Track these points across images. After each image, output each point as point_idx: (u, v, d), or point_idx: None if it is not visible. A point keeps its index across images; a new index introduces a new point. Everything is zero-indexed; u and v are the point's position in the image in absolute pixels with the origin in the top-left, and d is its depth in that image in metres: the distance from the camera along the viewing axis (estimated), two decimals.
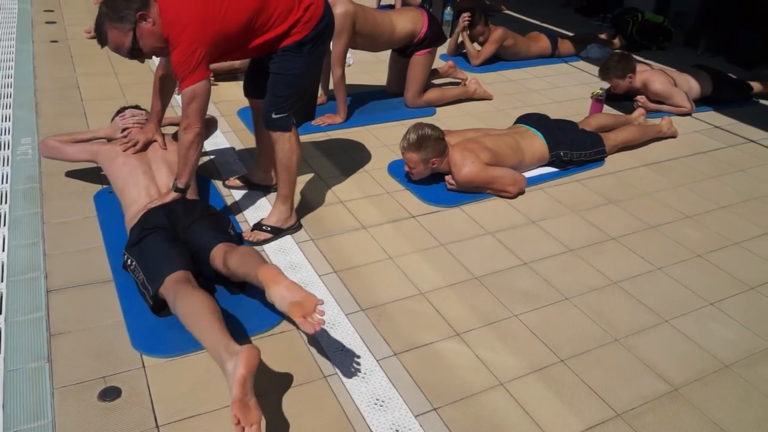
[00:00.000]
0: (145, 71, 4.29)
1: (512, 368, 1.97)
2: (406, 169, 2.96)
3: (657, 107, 4.08)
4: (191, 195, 2.42)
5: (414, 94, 3.91)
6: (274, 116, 2.40)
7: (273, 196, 2.84)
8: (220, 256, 2.04)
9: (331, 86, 3.72)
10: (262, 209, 2.74)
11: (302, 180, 3.02)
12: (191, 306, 1.82)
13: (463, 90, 4.18)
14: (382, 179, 3.10)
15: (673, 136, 3.80)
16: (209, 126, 3.02)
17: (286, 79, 2.36)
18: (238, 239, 2.42)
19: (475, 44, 5.01)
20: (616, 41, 5.60)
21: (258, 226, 2.53)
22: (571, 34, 5.67)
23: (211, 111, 3.74)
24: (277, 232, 2.53)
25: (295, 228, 2.60)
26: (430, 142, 2.84)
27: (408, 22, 3.73)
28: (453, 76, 4.35)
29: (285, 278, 1.69)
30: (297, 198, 2.82)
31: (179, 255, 2.06)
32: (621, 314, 2.25)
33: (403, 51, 3.88)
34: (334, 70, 3.56)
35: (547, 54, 5.22)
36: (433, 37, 3.80)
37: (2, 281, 2.19)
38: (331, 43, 3.52)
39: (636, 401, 1.87)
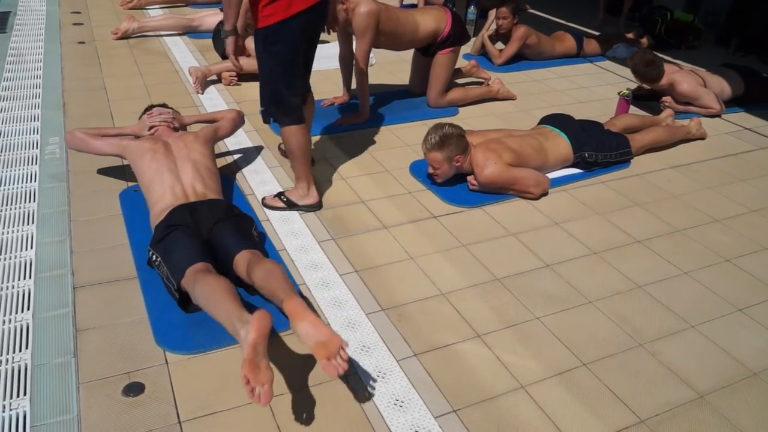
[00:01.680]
0: (170, 72, 4.35)
1: (534, 371, 1.95)
2: (431, 171, 2.94)
3: (684, 108, 4.01)
4: (215, 194, 2.45)
5: (437, 93, 3.90)
6: (261, 108, 2.67)
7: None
8: (243, 264, 2.05)
9: (353, 85, 3.72)
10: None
11: (324, 179, 3.03)
12: (208, 287, 1.85)
13: (487, 90, 4.15)
14: (403, 179, 3.09)
15: (702, 138, 3.73)
16: (237, 122, 3.08)
17: (260, 70, 2.55)
18: (262, 240, 2.44)
19: (498, 44, 4.98)
20: (644, 41, 5.51)
21: (280, 194, 2.78)
22: (597, 33, 5.60)
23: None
24: (290, 205, 2.75)
25: (314, 208, 2.76)
26: (453, 139, 2.83)
27: (431, 20, 3.71)
28: (476, 75, 4.32)
29: (310, 313, 1.70)
30: (318, 195, 2.84)
31: (201, 250, 2.09)
32: (646, 319, 2.21)
33: (426, 50, 3.87)
34: (357, 69, 3.56)
35: (572, 54, 5.16)
36: (457, 36, 3.78)
37: (30, 278, 2.24)
38: (355, 43, 3.53)
39: (660, 408, 1.84)
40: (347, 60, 3.80)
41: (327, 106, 3.86)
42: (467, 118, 3.85)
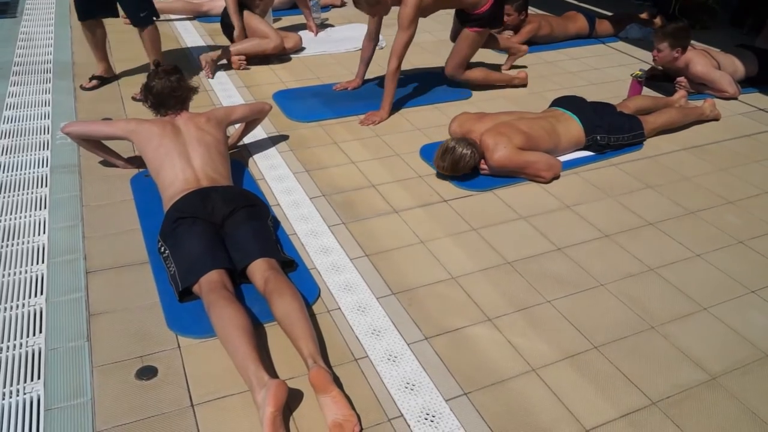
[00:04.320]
0: (180, 56, 4.34)
1: (544, 354, 1.94)
2: None
3: (699, 89, 3.95)
4: (226, 180, 2.44)
5: (455, 66, 3.80)
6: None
7: (304, 175, 2.86)
8: (260, 277, 2.03)
9: (370, 74, 3.66)
10: (295, 192, 2.76)
11: (333, 163, 3.03)
12: (224, 322, 1.83)
13: (508, 79, 4.07)
14: (413, 163, 3.08)
15: (716, 119, 3.68)
16: (258, 110, 3.02)
17: None
18: (275, 227, 2.45)
19: (506, 32, 4.93)
20: (657, 20, 5.42)
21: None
22: (609, 13, 5.52)
23: (244, 96, 3.77)
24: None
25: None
26: (463, 161, 2.79)
27: None
28: (512, 48, 4.23)
29: (333, 387, 1.69)
30: (327, 180, 2.83)
31: (213, 252, 2.08)
32: (658, 301, 2.20)
33: (463, 19, 3.71)
34: (391, 60, 3.40)
35: (584, 34, 5.08)
36: (492, 18, 3.65)
37: (43, 262, 2.26)
38: (397, 33, 3.36)
39: (672, 390, 1.83)
40: (370, 44, 3.73)
41: (339, 91, 3.84)
42: (479, 101, 3.82)
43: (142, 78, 3.90)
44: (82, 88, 3.72)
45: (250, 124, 3.05)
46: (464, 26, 3.70)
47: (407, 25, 3.32)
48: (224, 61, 4.17)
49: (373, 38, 3.73)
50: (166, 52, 4.37)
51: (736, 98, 3.98)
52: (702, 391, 1.84)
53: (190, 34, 4.78)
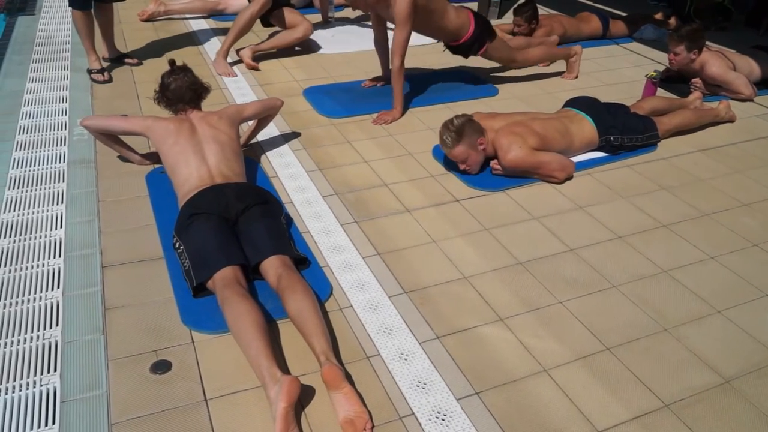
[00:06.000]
0: (195, 54, 4.37)
1: (556, 355, 1.94)
2: (463, 167, 2.89)
3: (714, 91, 3.92)
4: (240, 177, 2.46)
5: (515, 64, 4.03)
6: None
7: (317, 174, 2.87)
8: (273, 274, 2.05)
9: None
10: (308, 190, 2.77)
11: (346, 162, 3.04)
12: (237, 318, 1.85)
13: (566, 53, 4.21)
14: (426, 162, 3.08)
15: (731, 121, 3.65)
16: (269, 106, 3.04)
17: None
18: (288, 224, 2.46)
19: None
20: (672, 21, 5.39)
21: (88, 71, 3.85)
22: (623, 14, 5.49)
23: (258, 94, 3.79)
24: (90, 72, 3.84)
25: (99, 70, 3.83)
26: (466, 127, 2.80)
27: (456, 17, 3.57)
28: (566, 55, 4.27)
29: (345, 384, 1.70)
30: (340, 178, 2.84)
31: (228, 248, 2.09)
32: (671, 303, 2.19)
33: (461, 52, 3.75)
34: (393, 59, 3.37)
35: (597, 35, 5.06)
36: (484, 30, 3.65)
37: (60, 256, 2.29)
38: (395, 31, 3.35)
39: (685, 392, 1.83)
40: (382, 43, 3.74)
41: (368, 88, 3.87)
42: (491, 101, 3.82)
43: (156, 74, 3.93)
44: (95, 81, 3.79)
45: (262, 121, 3.06)
46: (468, 56, 3.80)
47: (404, 21, 3.29)
48: (235, 56, 4.20)
49: (381, 45, 3.78)
50: (182, 50, 4.41)
51: (752, 100, 3.95)
52: (715, 394, 1.83)
53: (204, 32, 4.81)
